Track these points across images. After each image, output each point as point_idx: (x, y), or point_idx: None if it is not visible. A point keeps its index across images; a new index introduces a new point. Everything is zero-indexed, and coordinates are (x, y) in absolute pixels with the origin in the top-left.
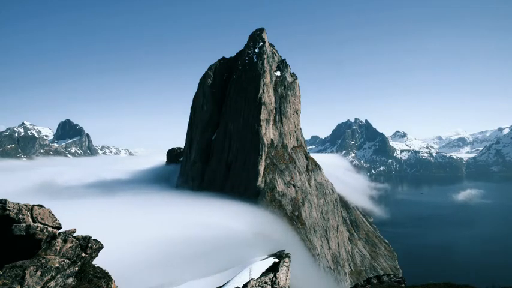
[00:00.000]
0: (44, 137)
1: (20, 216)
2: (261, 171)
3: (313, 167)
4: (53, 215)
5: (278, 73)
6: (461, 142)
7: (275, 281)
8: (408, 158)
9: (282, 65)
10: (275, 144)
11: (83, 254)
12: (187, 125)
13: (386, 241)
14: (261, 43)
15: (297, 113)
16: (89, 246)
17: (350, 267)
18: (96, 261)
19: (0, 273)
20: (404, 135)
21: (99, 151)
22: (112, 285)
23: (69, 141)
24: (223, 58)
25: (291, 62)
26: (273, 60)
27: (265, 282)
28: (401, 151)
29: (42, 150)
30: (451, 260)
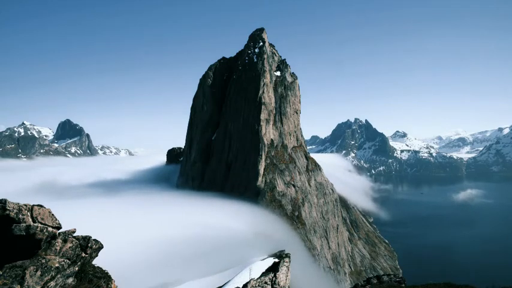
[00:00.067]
0: (44, 137)
1: (20, 216)
2: (261, 171)
3: (313, 167)
4: (53, 215)
5: (278, 73)
6: (461, 142)
7: (275, 281)
8: (408, 158)
9: (282, 65)
10: (275, 144)
11: (83, 254)
12: (187, 125)
13: (386, 241)
14: (261, 43)
15: (297, 113)
16: (89, 246)
17: (350, 267)
18: (96, 261)
19: (0, 273)
20: (404, 135)
21: (99, 151)
22: (112, 285)
23: (69, 141)
24: (223, 58)
25: (291, 62)
26: (273, 60)
27: (265, 282)
28: (401, 151)
29: (42, 150)
30: (451, 260)
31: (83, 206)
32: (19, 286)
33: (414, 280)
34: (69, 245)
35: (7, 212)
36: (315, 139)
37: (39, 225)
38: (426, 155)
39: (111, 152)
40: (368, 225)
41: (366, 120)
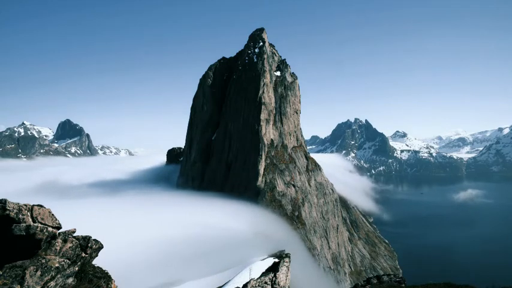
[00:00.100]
0: (44, 137)
1: (20, 216)
2: (261, 171)
3: (313, 167)
4: (53, 215)
5: (278, 73)
6: (461, 142)
7: (275, 281)
8: (408, 158)
9: (282, 65)
10: (275, 144)
11: (83, 254)
12: (187, 125)
13: (387, 241)
14: (261, 43)
15: (297, 113)
16: (89, 246)
17: (350, 267)
18: (96, 261)
19: (0, 273)
20: (404, 135)
21: (99, 151)
22: (112, 285)
23: (69, 141)
24: (223, 58)
25: (291, 62)
26: (273, 60)
27: (265, 282)
28: (401, 151)
29: (42, 150)
30: (451, 260)
31: (83, 206)
32: (19, 286)
33: (414, 280)
34: (69, 245)
35: (7, 212)
36: (315, 139)
37: (39, 225)
38: (426, 155)
39: (111, 152)
40: (368, 225)
41: (366, 120)
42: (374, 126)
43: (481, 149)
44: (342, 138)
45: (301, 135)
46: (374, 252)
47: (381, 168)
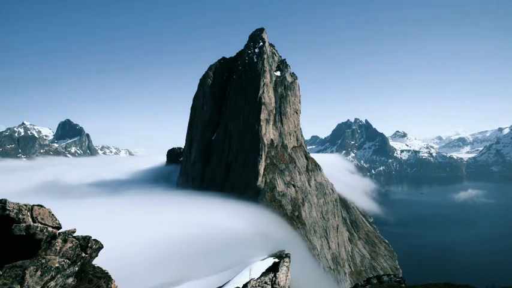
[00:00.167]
0: (44, 137)
1: (20, 216)
2: (261, 171)
3: (313, 167)
4: (53, 215)
5: (278, 73)
6: (461, 142)
7: (275, 281)
8: (408, 158)
9: (282, 65)
10: (275, 144)
11: (83, 254)
12: (187, 125)
13: (387, 241)
14: (261, 43)
15: (297, 113)
16: (89, 246)
17: (350, 267)
18: (96, 261)
19: (0, 273)
20: (404, 135)
21: (99, 151)
22: (112, 285)
23: (69, 141)
24: (223, 58)
25: (291, 62)
26: (273, 60)
27: (265, 282)
28: (401, 151)
29: (42, 150)
30: (451, 260)
31: (83, 206)
32: (19, 286)
33: (414, 280)
34: (69, 245)
35: (7, 212)
36: (315, 139)
37: (39, 225)
38: (426, 155)
39: (111, 152)
40: (368, 225)
41: (366, 120)
42: (374, 126)
43: (481, 149)
44: (342, 138)
45: (301, 135)
46: (374, 252)
47: (381, 168)
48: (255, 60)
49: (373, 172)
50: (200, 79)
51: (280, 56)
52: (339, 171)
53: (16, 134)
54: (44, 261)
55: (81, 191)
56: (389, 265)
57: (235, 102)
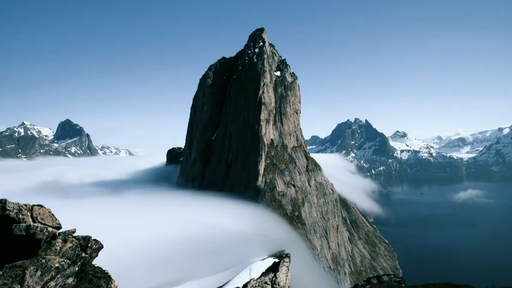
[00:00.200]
0: (44, 137)
1: (20, 216)
2: (261, 171)
3: (313, 167)
4: (53, 215)
5: (278, 73)
6: (461, 142)
7: (275, 281)
8: (408, 158)
9: (282, 65)
10: (275, 144)
11: (83, 254)
12: (187, 125)
13: (387, 241)
14: (261, 43)
15: (297, 113)
16: (89, 246)
17: (350, 267)
18: (96, 261)
19: (0, 273)
20: (404, 135)
21: (99, 151)
22: (112, 285)
23: (69, 141)
24: (223, 58)
25: (291, 62)
26: (273, 60)
27: (265, 282)
28: (401, 151)
29: (42, 150)
30: (451, 260)
31: (83, 206)
32: (19, 286)
33: (414, 280)
34: (69, 245)
35: (7, 212)
36: (315, 139)
37: (39, 225)
38: (426, 155)
39: (111, 152)
40: (368, 225)
41: (366, 120)
42: (374, 126)
43: (481, 149)
44: (342, 138)
45: (301, 135)
46: (374, 252)
47: (381, 168)
48: (255, 60)
49: (373, 172)
50: (200, 79)
51: (280, 56)
52: (339, 171)
53: (16, 134)
54: (44, 261)
55: (81, 191)
56: (389, 265)
57: (235, 102)
